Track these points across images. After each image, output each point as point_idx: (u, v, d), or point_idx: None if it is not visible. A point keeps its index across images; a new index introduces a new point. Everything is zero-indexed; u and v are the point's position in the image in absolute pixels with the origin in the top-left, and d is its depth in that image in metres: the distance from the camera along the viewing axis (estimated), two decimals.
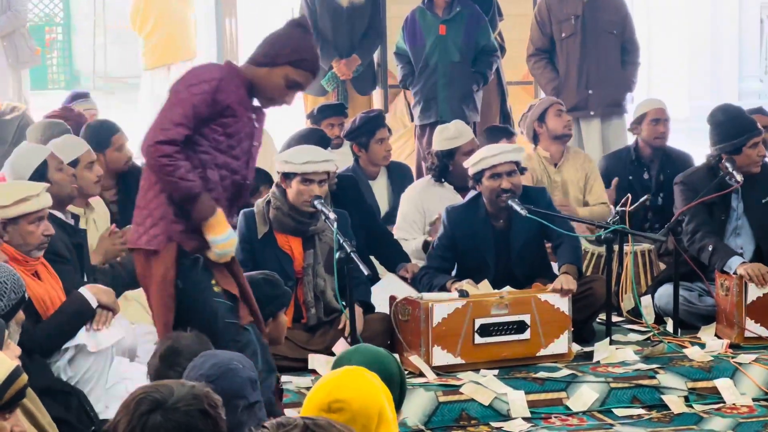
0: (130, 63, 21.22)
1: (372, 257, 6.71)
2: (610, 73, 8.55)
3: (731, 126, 6.61)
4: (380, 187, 7.51)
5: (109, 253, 6.04)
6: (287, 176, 6.08)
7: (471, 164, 6.45)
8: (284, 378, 5.66)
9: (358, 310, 6.01)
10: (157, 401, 2.83)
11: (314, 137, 7.08)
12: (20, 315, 4.37)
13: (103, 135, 6.85)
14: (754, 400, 5.75)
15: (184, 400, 2.82)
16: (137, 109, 12.29)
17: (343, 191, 6.54)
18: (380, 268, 6.79)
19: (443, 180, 7.18)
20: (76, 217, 5.88)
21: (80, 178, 6.00)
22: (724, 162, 6.58)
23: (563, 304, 6.03)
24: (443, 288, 6.26)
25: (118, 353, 5.39)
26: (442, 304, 5.87)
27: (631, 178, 7.73)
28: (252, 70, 4.90)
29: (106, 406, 5.10)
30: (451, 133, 7.19)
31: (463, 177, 7.06)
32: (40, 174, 5.64)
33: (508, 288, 6.22)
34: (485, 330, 5.92)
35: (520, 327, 5.98)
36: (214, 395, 2.87)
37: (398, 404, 3.77)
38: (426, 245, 6.93)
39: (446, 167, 7.14)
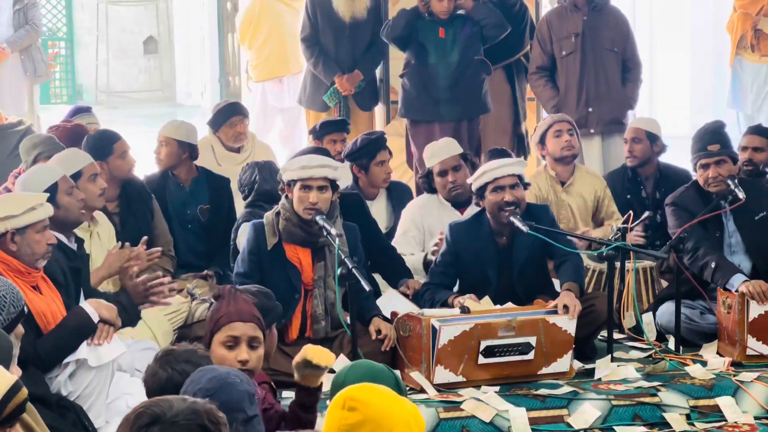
0: (132, 78, 21.30)
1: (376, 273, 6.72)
2: (610, 90, 8.56)
3: (692, 144, 6.79)
4: (379, 208, 7.50)
5: (113, 268, 6.02)
6: (289, 185, 6.12)
7: (474, 179, 6.46)
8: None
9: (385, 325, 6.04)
10: (156, 415, 2.84)
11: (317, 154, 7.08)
12: (19, 329, 4.36)
13: (104, 143, 6.88)
14: (755, 418, 5.74)
15: (183, 415, 2.83)
16: (139, 123, 12.30)
17: (347, 208, 6.53)
18: (382, 284, 6.79)
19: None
20: (80, 241, 5.86)
21: (83, 191, 6.00)
22: (726, 180, 6.61)
23: (570, 326, 6.02)
24: (445, 303, 6.26)
25: (118, 369, 5.38)
26: (450, 326, 5.85)
27: (629, 196, 7.74)
28: None
29: (107, 421, 5.10)
30: (432, 151, 7.19)
31: (445, 193, 7.07)
32: (50, 195, 5.63)
33: (509, 304, 6.21)
34: (490, 351, 5.91)
35: (525, 348, 5.97)
36: (218, 413, 2.87)
37: None
38: (426, 262, 6.92)
39: (431, 183, 7.16)
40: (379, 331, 6.06)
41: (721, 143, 6.70)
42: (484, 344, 5.88)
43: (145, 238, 6.19)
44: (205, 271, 7.14)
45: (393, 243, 7.11)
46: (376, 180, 7.43)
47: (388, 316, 6.14)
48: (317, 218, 6.02)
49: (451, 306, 6.20)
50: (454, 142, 7.29)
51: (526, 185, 6.49)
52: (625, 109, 8.64)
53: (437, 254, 6.75)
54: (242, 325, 4.39)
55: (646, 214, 7.19)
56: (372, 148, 7.37)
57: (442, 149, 7.16)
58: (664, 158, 7.90)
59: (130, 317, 5.53)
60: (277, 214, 6.18)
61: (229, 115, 8.33)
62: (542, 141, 7.61)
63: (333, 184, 6.17)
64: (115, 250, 6.04)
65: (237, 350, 4.37)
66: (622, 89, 8.60)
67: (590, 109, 8.50)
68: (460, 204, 7.11)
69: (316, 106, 9.14)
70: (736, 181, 6.60)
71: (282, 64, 10.59)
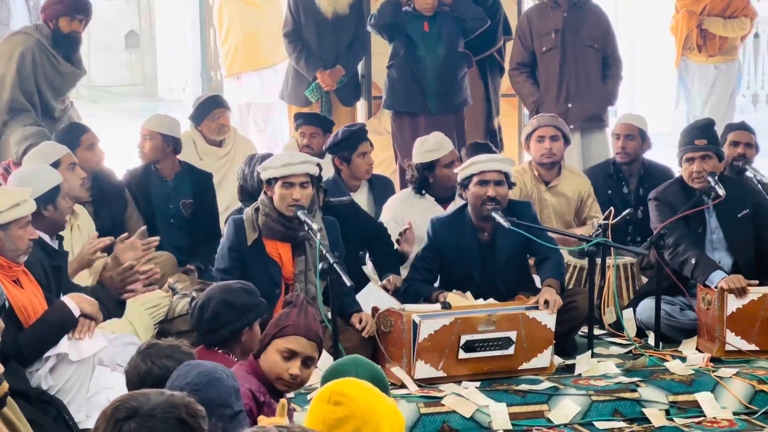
0: (113, 72, 21.23)
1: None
2: (590, 87, 8.57)
3: (681, 137, 6.83)
4: (361, 200, 7.49)
5: (83, 260, 6.00)
6: (269, 183, 6.11)
7: (461, 169, 6.46)
8: None
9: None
10: (134, 409, 2.82)
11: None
12: (0, 323, 4.35)
13: (72, 135, 6.88)
14: (734, 414, 5.77)
15: (160, 408, 2.82)
16: (120, 117, 12.26)
17: (344, 220, 6.52)
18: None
19: (424, 192, 7.18)
20: (60, 238, 5.85)
21: (64, 180, 5.99)
22: (706, 176, 6.64)
23: (550, 321, 6.04)
24: (429, 299, 6.27)
25: (99, 363, 5.37)
26: (430, 321, 5.86)
27: (610, 192, 7.76)
28: (256, 365, 4.59)
29: (87, 415, 5.09)
30: (430, 146, 7.19)
31: (444, 189, 7.07)
32: (52, 196, 5.61)
33: (491, 300, 6.22)
34: (470, 346, 5.92)
35: (506, 343, 5.98)
36: (197, 406, 2.86)
37: None
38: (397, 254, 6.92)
39: (426, 179, 7.15)
40: (361, 320, 6.07)
41: (708, 139, 6.73)
42: (464, 339, 5.89)
43: (143, 228, 6.19)
44: (187, 266, 7.13)
45: None
46: (359, 172, 7.43)
47: (369, 310, 6.15)
48: (299, 213, 6.02)
49: (434, 301, 6.21)
50: (446, 137, 7.33)
51: (511, 185, 6.50)
52: (605, 105, 8.66)
53: (403, 246, 6.77)
54: (306, 342, 4.46)
55: (628, 210, 7.21)
56: (353, 139, 7.38)
57: (442, 145, 7.17)
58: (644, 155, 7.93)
59: (109, 310, 5.51)
60: (256, 210, 6.18)
61: (211, 108, 8.31)
62: (528, 141, 7.63)
63: (313, 178, 6.18)
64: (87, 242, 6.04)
65: (291, 363, 4.43)
66: (602, 86, 8.62)
67: (570, 105, 8.51)
68: (442, 199, 7.12)
69: (298, 101, 9.13)
70: (716, 177, 6.63)
71: (246, 60, 10.54)
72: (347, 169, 7.40)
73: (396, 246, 6.92)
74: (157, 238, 6.15)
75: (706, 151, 6.68)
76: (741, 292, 6.28)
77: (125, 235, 6.02)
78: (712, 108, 9.59)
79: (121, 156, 7.28)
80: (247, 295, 5.00)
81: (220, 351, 4.80)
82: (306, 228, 6.03)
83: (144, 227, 6.21)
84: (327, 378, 3.90)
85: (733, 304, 6.28)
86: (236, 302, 4.90)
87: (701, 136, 6.73)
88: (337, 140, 7.40)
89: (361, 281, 6.49)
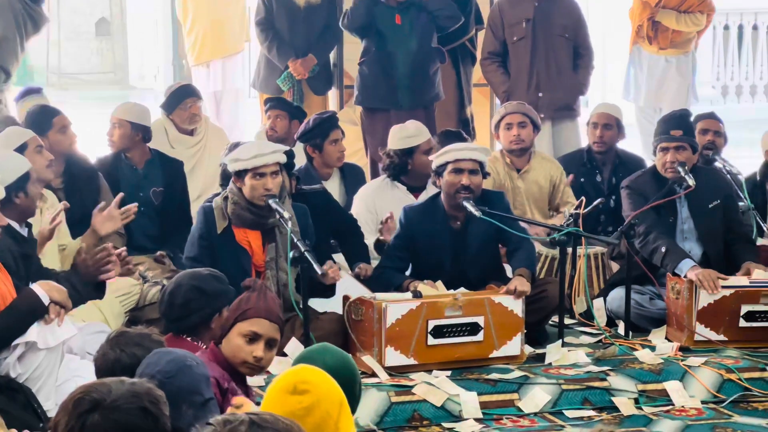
0: (84, 59, 21.14)
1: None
2: (561, 76, 8.59)
3: (657, 127, 6.86)
4: (333, 189, 7.49)
5: (42, 233, 5.95)
6: (239, 174, 6.08)
7: (436, 157, 6.46)
8: None
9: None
10: (96, 401, 2.79)
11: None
12: None
13: (43, 117, 6.85)
14: (702, 402, 5.80)
15: (123, 399, 2.80)
16: (91, 105, 12.19)
17: (316, 208, 6.52)
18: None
19: (399, 179, 7.18)
20: (29, 225, 5.81)
21: (31, 163, 5.95)
22: (676, 167, 6.66)
23: (517, 307, 6.05)
24: (400, 287, 6.27)
25: (69, 351, 5.35)
26: (396, 305, 5.87)
27: (583, 180, 7.79)
28: (218, 351, 4.56)
29: (56, 403, 5.06)
30: (410, 132, 7.19)
31: (420, 176, 7.07)
32: (22, 183, 5.57)
33: (462, 289, 6.23)
34: (439, 331, 5.93)
35: (474, 329, 6.00)
36: (156, 391, 2.85)
37: (356, 406, 3.80)
38: (378, 244, 6.93)
39: (404, 166, 7.14)
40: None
41: (684, 130, 6.76)
42: (432, 324, 5.90)
43: (120, 195, 6.16)
44: (158, 253, 7.11)
45: None
46: (331, 159, 7.43)
47: (340, 300, 6.15)
48: (270, 202, 6.01)
49: (405, 290, 6.21)
50: (423, 125, 7.33)
51: (486, 174, 6.51)
52: (576, 95, 8.68)
53: (386, 235, 6.77)
54: (268, 324, 4.46)
55: (599, 199, 7.23)
56: (325, 127, 7.38)
57: (421, 131, 7.17)
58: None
59: (83, 295, 5.48)
60: (225, 198, 6.16)
61: (182, 97, 8.28)
62: (497, 129, 7.65)
63: (281, 165, 6.17)
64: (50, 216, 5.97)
65: (255, 345, 4.43)
66: (573, 75, 8.63)
67: (540, 95, 8.53)
68: (414, 189, 7.12)
69: (269, 89, 9.12)
70: (686, 167, 6.66)
71: (214, 48, 10.51)
72: (319, 156, 7.40)
73: (379, 236, 6.93)
74: (135, 204, 6.12)
75: (680, 142, 6.71)
76: (713, 288, 6.31)
77: (102, 204, 5.99)
78: (671, 101, 9.50)
79: (91, 144, 7.24)
80: (217, 281, 4.99)
81: (188, 338, 4.80)
82: (277, 216, 6.02)
83: (121, 194, 6.18)
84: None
85: (705, 299, 6.32)
86: (206, 288, 4.90)
87: (677, 127, 6.75)
88: (309, 128, 7.40)
89: None
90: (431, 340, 5.92)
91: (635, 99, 9.87)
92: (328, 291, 6.14)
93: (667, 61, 9.57)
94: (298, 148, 7.55)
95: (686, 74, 9.67)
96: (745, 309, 6.32)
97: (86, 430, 2.75)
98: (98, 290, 5.60)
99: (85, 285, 5.48)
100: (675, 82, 9.56)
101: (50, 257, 5.93)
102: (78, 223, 6.36)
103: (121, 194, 6.14)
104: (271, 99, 8.44)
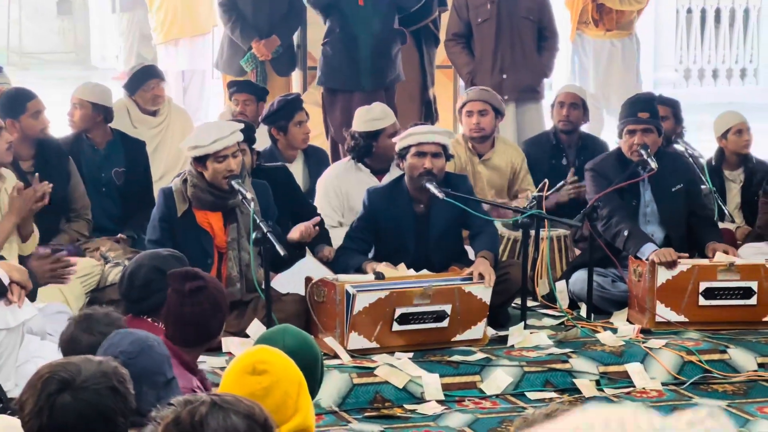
0: (45, 39, 20.97)
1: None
2: (525, 58, 8.59)
3: (622, 109, 6.84)
4: (296, 171, 7.46)
5: (23, 211, 5.92)
6: (199, 160, 6.04)
7: (399, 139, 6.45)
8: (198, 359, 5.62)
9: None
10: (65, 381, 2.77)
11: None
12: None
13: (18, 101, 6.80)
14: (663, 384, 5.83)
15: (93, 379, 2.78)
16: (52, 85, 12.10)
17: (276, 182, 6.49)
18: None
19: (363, 161, 7.15)
20: None
21: None
22: (639, 149, 6.67)
23: (486, 295, 6.05)
24: (359, 269, 6.26)
25: (29, 332, 5.32)
26: (365, 294, 5.85)
27: (554, 162, 7.80)
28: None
29: (16, 384, 5.03)
30: (376, 114, 7.16)
31: (384, 159, 7.05)
32: None
33: (424, 271, 6.23)
34: (404, 318, 5.93)
35: (440, 316, 6.00)
36: (122, 369, 2.84)
37: (318, 388, 3.80)
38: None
39: (369, 148, 7.10)
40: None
41: (650, 113, 6.78)
42: (399, 312, 5.90)
43: (36, 175, 6.11)
44: (119, 235, 7.07)
45: None
46: (295, 141, 7.41)
47: (303, 281, 6.14)
48: (233, 183, 5.99)
49: (364, 272, 6.20)
50: (389, 108, 7.32)
51: (449, 157, 6.50)
52: (540, 77, 8.68)
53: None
54: None
55: (562, 182, 7.26)
56: (289, 109, 7.35)
57: (387, 114, 7.15)
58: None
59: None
60: (185, 180, 6.12)
61: (145, 79, 8.23)
62: (460, 114, 7.65)
63: (240, 143, 6.14)
64: (14, 192, 5.93)
65: None
66: (538, 57, 8.64)
67: (504, 77, 8.53)
68: (378, 171, 7.11)
69: (232, 70, 9.07)
70: (648, 150, 6.68)
71: (179, 27, 10.45)
72: (284, 138, 7.38)
73: (341, 218, 6.90)
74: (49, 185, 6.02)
75: (648, 125, 6.73)
76: (671, 265, 6.34)
77: (20, 185, 5.95)
78: (619, 85, 9.43)
79: (53, 124, 7.18)
80: (178, 262, 4.98)
81: (149, 319, 4.78)
82: (240, 197, 6.00)
83: (19, 183, 6.12)
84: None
85: (662, 275, 6.34)
86: (167, 269, 4.88)
87: (644, 109, 6.77)
88: (273, 110, 7.37)
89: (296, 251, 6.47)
90: (396, 327, 5.92)
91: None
92: (295, 257, 6.13)
93: (612, 45, 9.55)
94: (262, 131, 7.53)
95: (632, 57, 9.67)
96: (703, 286, 6.35)
97: (55, 410, 2.74)
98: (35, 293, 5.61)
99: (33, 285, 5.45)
100: (622, 66, 9.55)
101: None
102: (47, 205, 6.31)
103: (21, 183, 6.04)
104: (236, 82, 8.37)
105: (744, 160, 7.73)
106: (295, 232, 6.14)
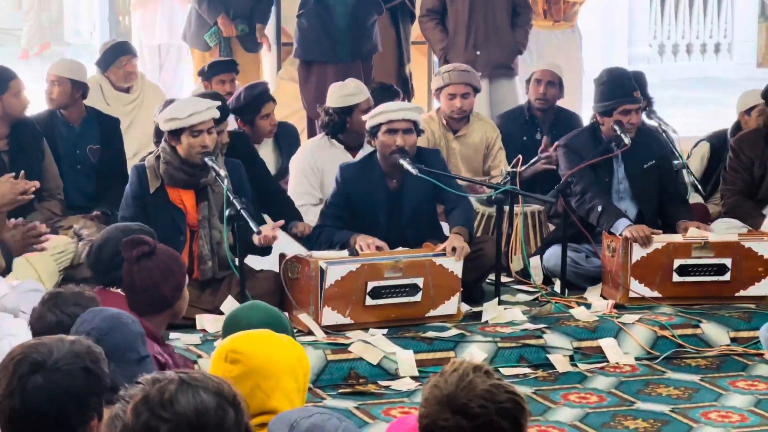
0: (18, 15, 20.84)
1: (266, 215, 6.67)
2: (498, 34, 8.58)
3: (609, 88, 6.75)
4: (267, 151, 7.43)
5: (5, 198, 5.88)
6: (174, 133, 6.02)
7: (369, 117, 6.43)
8: (172, 335, 5.63)
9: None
10: (37, 362, 2.75)
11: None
12: None
13: (0, 80, 6.75)
14: (636, 359, 5.86)
15: (65, 360, 2.76)
16: (25, 62, 12.04)
17: (236, 148, 6.48)
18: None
19: (337, 137, 7.13)
20: None
21: None
22: (612, 125, 6.67)
23: (457, 268, 6.07)
24: (346, 244, 6.23)
25: (2, 309, 5.30)
26: (337, 267, 5.86)
27: (526, 138, 7.80)
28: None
29: None
30: (350, 90, 7.13)
31: (358, 135, 7.04)
32: None
33: (400, 248, 6.23)
34: (377, 292, 5.94)
35: (413, 290, 6.00)
36: (95, 348, 2.83)
37: None
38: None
39: (343, 124, 7.08)
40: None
41: (639, 91, 6.80)
42: (371, 285, 5.91)
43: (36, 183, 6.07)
44: (94, 212, 7.05)
45: (290, 192, 7.04)
46: (262, 132, 7.30)
47: (276, 259, 6.13)
48: (206, 159, 5.97)
49: (353, 246, 6.15)
50: (363, 84, 7.30)
51: (420, 132, 6.49)
52: (514, 53, 8.68)
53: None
54: None
55: (535, 158, 7.27)
56: (256, 103, 7.20)
57: (360, 90, 7.13)
58: None
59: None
60: (157, 157, 6.11)
61: (117, 55, 8.20)
62: (438, 93, 7.63)
63: (217, 122, 6.13)
64: (5, 179, 5.90)
65: None
66: (511, 34, 8.63)
67: (478, 53, 8.52)
68: (352, 147, 7.10)
69: (199, 44, 9.05)
70: (622, 126, 6.67)
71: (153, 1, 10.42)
72: (250, 130, 7.26)
73: (321, 195, 6.89)
74: (36, 183, 5.98)
75: (639, 104, 6.74)
76: (645, 242, 6.36)
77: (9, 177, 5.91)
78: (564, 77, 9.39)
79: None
80: (147, 236, 4.98)
81: (118, 290, 4.76)
82: (211, 174, 5.99)
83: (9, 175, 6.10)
84: (226, 325, 3.89)
85: (637, 252, 6.37)
86: None
87: (635, 88, 6.77)
88: (240, 104, 7.22)
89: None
90: (369, 301, 5.93)
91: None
92: (266, 248, 6.12)
93: (555, 37, 9.54)
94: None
95: (575, 48, 9.67)
96: (677, 263, 6.38)
97: (27, 392, 2.72)
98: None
99: (8, 257, 5.43)
100: (564, 57, 9.52)
101: None
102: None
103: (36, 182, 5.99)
104: (219, 63, 8.26)
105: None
106: (255, 239, 6.05)
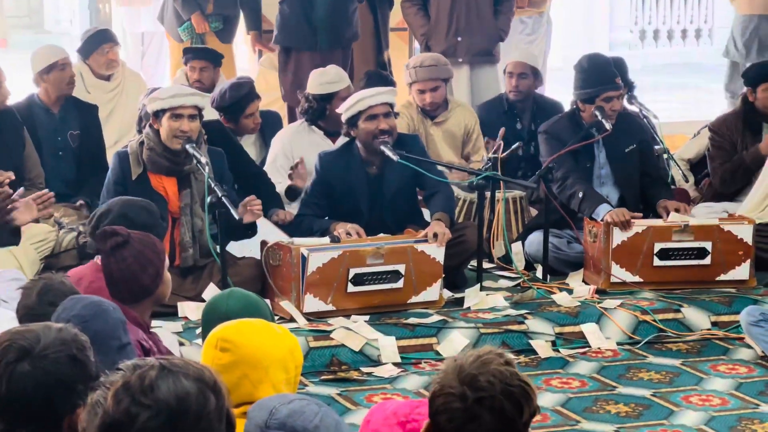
0: None
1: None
2: (480, 21, 8.57)
3: (590, 75, 6.75)
4: (249, 140, 7.41)
5: None
6: (157, 115, 6.04)
7: (345, 109, 6.41)
8: (155, 323, 5.61)
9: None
10: (24, 349, 2.75)
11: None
12: None
13: None
14: (618, 344, 5.88)
15: (53, 347, 2.76)
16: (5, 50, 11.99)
17: (211, 136, 6.45)
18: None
19: (317, 123, 7.13)
20: None
21: None
22: (594, 110, 6.68)
23: (438, 254, 6.07)
24: (326, 231, 6.23)
25: None
26: (318, 254, 5.86)
27: (504, 128, 7.79)
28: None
29: None
30: (330, 78, 7.13)
31: (338, 122, 7.03)
32: None
33: (381, 235, 6.23)
34: (359, 279, 5.94)
35: (394, 277, 6.01)
36: (81, 336, 2.82)
37: None
38: (289, 190, 6.87)
39: (323, 111, 7.08)
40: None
41: (620, 77, 6.81)
42: (352, 272, 5.91)
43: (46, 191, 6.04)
44: (79, 201, 7.03)
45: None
46: (245, 129, 7.21)
47: (258, 245, 6.13)
48: (187, 146, 5.97)
49: (333, 233, 6.16)
50: (343, 71, 7.29)
51: (396, 114, 6.50)
52: (495, 40, 8.67)
53: (296, 181, 6.75)
54: None
55: (517, 144, 7.27)
56: (242, 103, 7.09)
57: (341, 77, 7.12)
58: None
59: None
60: (141, 143, 6.10)
61: (99, 43, 8.18)
62: (410, 86, 7.62)
63: (200, 111, 6.12)
64: None
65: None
66: (493, 20, 8.63)
67: (459, 39, 8.52)
68: (331, 133, 7.09)
69: (173, 34, 9.04)
70: (604, 111, 6.68)
71: None
72: (234, 126, 7.20)
73: (289, 181, 6.89)
74: (52, 193, 5.96)
75: (621, 90, 6.76)
76: (625, 226, 6.38)
77: (21, 191, 5.90)
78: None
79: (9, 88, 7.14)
80: (147, 214, 5.04)
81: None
82: (194, 161, 5.99)
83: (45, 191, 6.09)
84: (205, 312, 3.89)
85: (618, 236, 6.38)
86: (135, 219, 4.96)
87: (616, 75, 6.78)
88: (225, 103, 7.10)
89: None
90: (351, 288, 5.93)
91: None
92: (249, 231, 6.12)
93: (522, 22, 9.53)
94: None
95: (542, 35, 9.65)
96: (658, 247, 6.39)
97: (14, 379, 2.72)
98: (14, 235, 5.55)
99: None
100: (531, 44, 9.50)
101: None
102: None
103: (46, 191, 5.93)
104: (192, 49, 8.31)
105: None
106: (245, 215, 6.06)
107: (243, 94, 7.11)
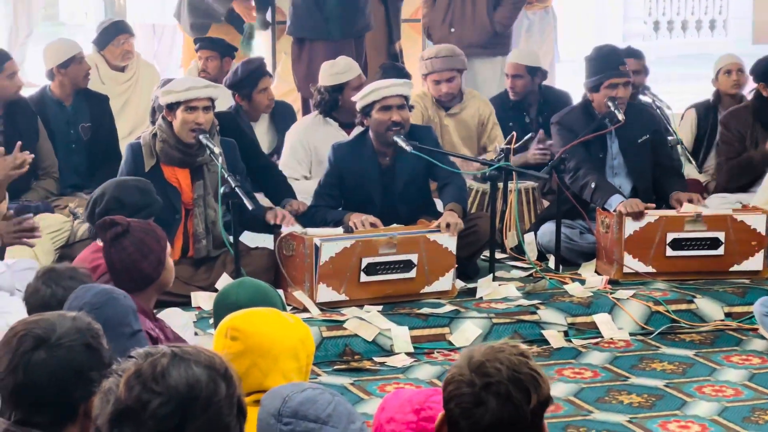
0: None
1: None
2: (474, 14, 8.57)
3: (596, 63, 6.78)
4: (262, 129, 7.44)
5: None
6: (171, 107, 6.05)
7: (360, 97, 6.43)
8: (169, 308, 5.63)
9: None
10: (40, 338, 2.78)
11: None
12: None
13: None
14: (630, 334, 5.88)
15: (68, 336, 2.79)
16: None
17: (222, 128, 6.48)
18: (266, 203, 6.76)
19: (331, 114, 7.15)
20: None
21: None
22: (606, 101, 6.68)
23: (451, 244, 6.08)
24: (339, 222, 6.25)
25: None
26: (331, 243, 5.87)
27: (511, 124, 7.78)
28: None
29: None
30: (340, 68, 7.16)
31: (351, 113, 7.05)
32: None
33: (394, 225, 6.24)
34: (371, 269, 5.95)
35: (407, 266, 6.02)
36: (95, 325, 2.84)
37: None
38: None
39: (335, 102, 7.11)
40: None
41: (640, 62, 6.80)
42: (365, 262, 5.92)
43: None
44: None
45: (280, 166, 7.07)
46: (260, 107, 7.34)
47: (271, 236, 6.14)
48: (201, 137, 5.98)
49: (347, 223, 6.18)
50: (354, 61, 7.30)
51: (410, 107, 6.51)
52: (487, 34, 8.66)
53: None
54: None
55: (529, 135, 7.27)
56: (253, 77, 7.22)
57: (351, 67, 7.14)
58: None
59: None
60: (154, 135, 6.12)
61: (115, 34, 8.21)
62: (425, 78, 7.63)
63: (213, 103, 6.14)
64: None
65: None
66: (487, 15, 8.62)
67: (452, 30, 8.54)
68: (346, 125, 7.11)
69: (186, 29, 9.05)
70: (616, 102, 6.68)
71: None
72: (248, 104, 7.29)
73: (308, 174, 6.91)
74: (30, 155, 5.96)
75: (629, 78, 6.75)
76: (638, 216, 6.38)
77: (1, 150, 5.90)
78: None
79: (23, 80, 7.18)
80: (140, 193, 5.07)
81: None
82: (207, 152, 6.00)
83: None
84: (216, 302, 3.91)
85: (630, 226, 6.38)
86: (126, 200, 5.02)
87: (623, 63, 6.78)
88: (237, 78, 7.25)
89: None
90: (363, 277, 5.94)
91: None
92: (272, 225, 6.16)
93: (527, 18, 9.52)
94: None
95: (549, 30, 9.64)
96: (670, 237, 6.39)
97: (31, 368, 2.74)
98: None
99: None
100: (538, 39, 9.49)
101: None
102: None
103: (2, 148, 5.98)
104: (201, 39, 8.36)
105: (739, 101, 7.73)
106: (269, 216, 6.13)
107: (254, 67, 7.27)
